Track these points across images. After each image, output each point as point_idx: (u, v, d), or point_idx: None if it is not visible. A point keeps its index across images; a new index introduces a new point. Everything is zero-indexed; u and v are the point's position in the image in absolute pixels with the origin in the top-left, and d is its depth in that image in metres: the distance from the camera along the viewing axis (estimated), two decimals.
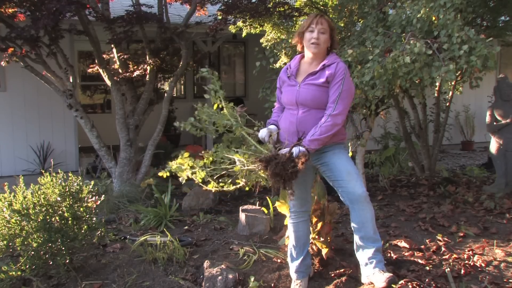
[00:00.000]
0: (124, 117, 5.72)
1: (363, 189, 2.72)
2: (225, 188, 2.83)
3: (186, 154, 2.89)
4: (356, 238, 2.80)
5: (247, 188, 2.81)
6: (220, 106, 2.92)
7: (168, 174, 2.95)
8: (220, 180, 2.87)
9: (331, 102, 2.73)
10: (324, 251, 3.29)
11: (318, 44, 2.79)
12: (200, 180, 2.84)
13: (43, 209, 3.17)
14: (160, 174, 2.99)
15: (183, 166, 2.85)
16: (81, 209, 3.36)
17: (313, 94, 2.76)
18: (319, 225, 3.31)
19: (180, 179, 2.90)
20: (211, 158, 2.82)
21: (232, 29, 6.50)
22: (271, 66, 5.28)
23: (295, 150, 2.61)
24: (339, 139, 2.85)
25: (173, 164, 2.88)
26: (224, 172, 2.81)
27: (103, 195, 3.77)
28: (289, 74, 2.91)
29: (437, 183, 5.71)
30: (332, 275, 3.17)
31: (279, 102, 3.04)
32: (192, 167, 2.84)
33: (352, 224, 2.80)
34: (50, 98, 7.02)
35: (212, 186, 2.88)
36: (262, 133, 2.85)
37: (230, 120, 2.85)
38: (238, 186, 2.80)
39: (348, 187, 2.71)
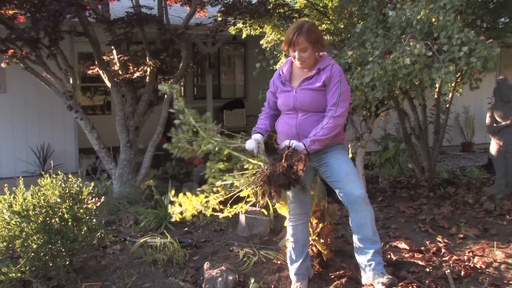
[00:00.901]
0: (124, 118, 5.72)
1: (362, 191, 2.72)
2: (239, 210, 2.84)
3: (181, 196, 2.78)
4: (355, 240, 2.80)
5: (261, 202, 2.76)
6: (193, 129, 2.81)
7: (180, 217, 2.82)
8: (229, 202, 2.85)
9: (332, 105, 2.73)
10: (324, 252, 3.29)
11: (302, 62, 2.78)
12: (209, 213, 2.77)
13: (43, 210, 3.17)
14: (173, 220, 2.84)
15: (188, 209, 2.76)
16: (81, 210, 3.35)
17: (310, 99, 2.76)
18: (319, 226, 3.31)
19: (186, 217, 2.80)
20: (208, 185, 2.77)
21: (232, 30, 6.50)
22: (271, 68, 5.28)
23: (297, 146, 2.63)
24: (338, 140, 2.85)
25: (177, 214, 2.77)
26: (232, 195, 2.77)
27: (103, 197, 3.76)
28: (283, 80, 2.89)
29: (437, 185, 5.71)
30: (332, 276, 3.17)
31: (269, 106, 3.03)
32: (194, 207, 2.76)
33: (351, 226, 2.79)
34: (50, 99, 7.02)
35: (227, 212, 2.84)
36: (250, 145, 2.78)
37: (211, 142, 2.75)
38: (250, 203, 2.81)
39: (347, 188, 2.71)
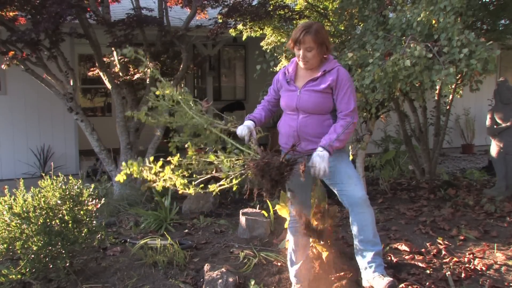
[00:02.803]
0: (125, 120, 5.72)
1: (363, 193, 2.71)
2: (210, 190, 2.65)
3: (160, 163, 2.63)
4: (355, 242, 2.79)
5: (234, 188, 2.66)
6: (175, 99, 2.60)
7: (125, 178, 2.63)
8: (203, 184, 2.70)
9: (350, 111, 2.70)
10: (324, 254, 3.29)
11: (306, 62, 2.77)
12: (181, 188, 2.62)
13: (43, 212, 3.17)
14: (116, 178, 2.65)
15: (164, 176, 2.58)
16: (81, 212, 3.35)
17: (314, 100, 2.76)
18: (320, 228, 3.31)
19: (157, 187, 2.65)
20: (177, 157, 2.60)
21: (232, 32, 6.51)
22: (271, 70, 5.28)
23: (321, 163, 2.54)
24: None
25: (147, 175, 2.55)
26: (209, 177, 2.63)
27: (103, 198, 3.76)
28: (288, 78, 2.88)
29: (438, 186, 5.71)
30: (333, 278, 3.16)
31: (268, 100, 3.01)
32: (170, 178, 2.60)
33: (352, 228, 2.79)
34: (51, 101, 7.02)
35: (192, 189, 2.66)
36: (242, 131, 2.73)
37: (195, 117, 2.57)
38: (223, 187, 2.64)
39: (348, 191, 2.70)
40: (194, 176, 2.66)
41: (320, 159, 2.55)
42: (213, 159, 2.60)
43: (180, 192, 2.67)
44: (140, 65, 2.89)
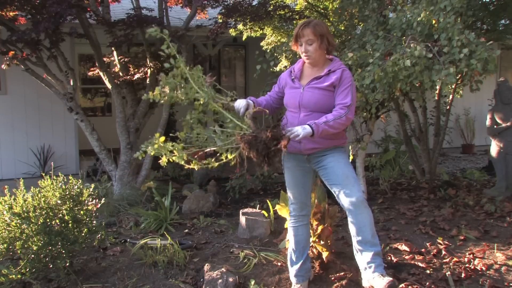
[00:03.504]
0: (125, 120, 5.72)
1: (360, 194, 2.71)
2: (209, 166, 2.66)
3: (162, 139, 2.68)
4: (354, 243, 2.79)
5: (232, 163, 2.65)
6: (183, 76, 2.67)
7: (143, 155, 2.71)
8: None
9: (345, 105, 2.69)
10: (325, 254, 3.29)
11: (308, 56, 2.79)
12: (183, 162, 2.64)
13: (43, 212, 3.17)
14: (135, 155, 2.74)
15: (163, 151, 2.63)
16: (82, 212, 3.35)
17: (317, 97, 2.76)
18: (320, 228, 3.31)
19: (161, 162, 2.69)
20: (184, 133, 2.65)
21: (232, 32, 6.51)
22: (271, 70, 5.29)
23: (301, 132, 2.54)
24: (339, 143, 2.85)
25: (152, 149, 2.63)
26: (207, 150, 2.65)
27: (103, 198, 3.76)
28: (293, 76, 2.90)
29: (438, 186, 5.71)
30: (333, 278, 3.17)
31: (270, 95, 3.02)
32: (171, 152, 2.63)
33: (350, 229, 2.79)
34: (51, 101, 7.03)
35: (194, 165, 2.68)
36: (239, 103, 2.74)
37: (199, 92, 2.62)
38: (222, 162, 2.65)
39: (346, 191, 2.70)
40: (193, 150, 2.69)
41: (301, 129, 2.55)
42: (211, 133, 2.63)
43: (185, 167, 2.70)
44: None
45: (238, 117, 2.69)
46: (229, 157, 2.61)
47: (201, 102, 2.69)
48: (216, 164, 2.66)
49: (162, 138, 2.70)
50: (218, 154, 2.67)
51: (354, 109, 2.78)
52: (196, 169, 2.73)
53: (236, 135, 2.56)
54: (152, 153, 2.66)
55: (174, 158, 2.66)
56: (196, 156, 2.72)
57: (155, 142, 2.67)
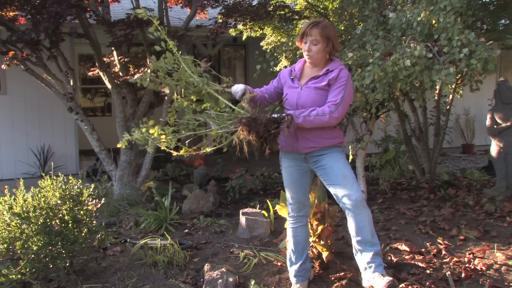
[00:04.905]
0: (125, 120, 5.72)
1: (359, 194, 2.71)
2: (201, 152, 2.66)
3: (151, 122, 2.66)
4: (354, 243, 2.79)
5: (224, 150, 2.65)
6: (176, 60, 2.61)
7: (126, 144, 2.73)
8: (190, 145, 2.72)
9: (333, 103, 2.68)
10: (325, 254, 3.29)
11: (311, 56, 2.78)
12: (173, 147, 2.63)
13: (43, 212, 3.17)
14: (118, 145, 2.76)
15: (153, 135, 2.59)
16: (82, 212, 3.35)
17: (313, 97, 2.76)
18: (320, 228, 3.31)
19: (148, 149, 2.71)
20: (174, 117, 2.62)
21: (232, 32, 6.51)
22: (271, 69, 5.29)
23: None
24: (337, 142, 2.84)
25: (139, 134, 2.60)
26: (200, 135, 2.64)
27: (103, 198, 3.76)
28: (293, 76, 2.90)
29: (438, 186, 5.71)
30: (333, 278, 3.17)
31: (266, 88, 3.00)
32: (162, 135, 2.61)
33: (349, 229, 2.79)
34: (51, 101, 7.03)
35: (184, 152, 2.67)
36: (236, 87, 2.74)
37: (192, 76, 2.59)
38: (215, 148, 2.65)
39: (344, 192, 2.70)
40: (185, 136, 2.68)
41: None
42: (205, 118, 2.62)
43: (174, 154, 2.68)
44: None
45: (233, 104, 2.66)
46: (223, 142, 2.59)
47: (194, 87, 2.63)
48: (209, 149, 2.63)
49: (152, 122, 2.67)
50: (213, 140, 2.64)
51: (345, 108, 2.74)
52: (185, 156, 2.70)
53: (234, 118, 2.54)
54: (137, 137, 2.62)
55: (162, 143, 2.62)
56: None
57: (144, 126, 2.63)
